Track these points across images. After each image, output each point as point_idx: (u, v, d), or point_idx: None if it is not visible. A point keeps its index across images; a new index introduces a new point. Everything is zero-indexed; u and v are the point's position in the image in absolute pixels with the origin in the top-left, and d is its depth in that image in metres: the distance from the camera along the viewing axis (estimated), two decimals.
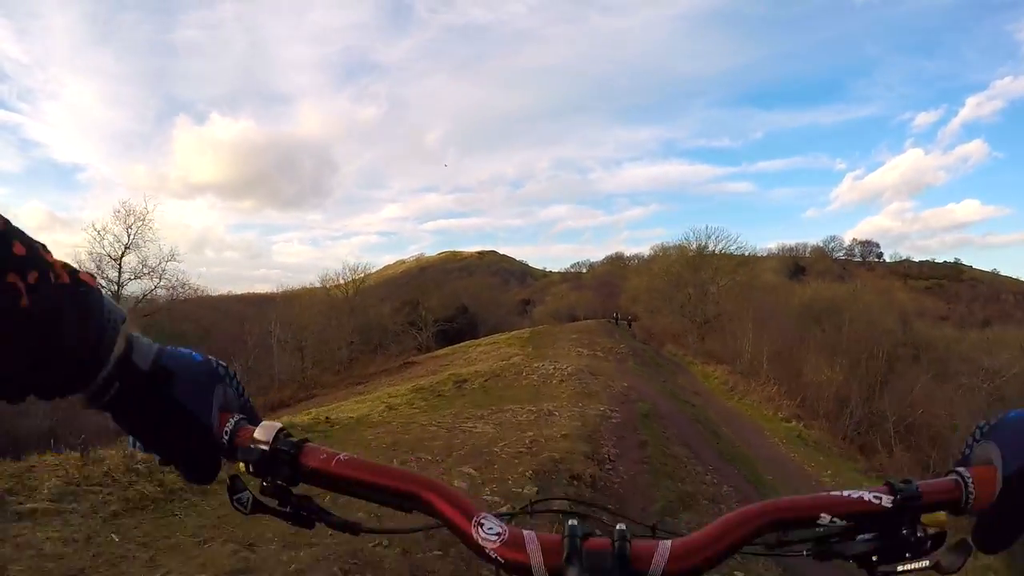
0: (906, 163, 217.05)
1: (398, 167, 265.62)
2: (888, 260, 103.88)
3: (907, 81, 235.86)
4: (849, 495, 0.58)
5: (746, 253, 43.55)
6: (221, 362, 0.64)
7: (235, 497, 0.61)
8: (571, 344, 22.46)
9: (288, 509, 0.61)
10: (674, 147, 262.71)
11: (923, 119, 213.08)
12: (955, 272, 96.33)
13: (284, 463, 0.59)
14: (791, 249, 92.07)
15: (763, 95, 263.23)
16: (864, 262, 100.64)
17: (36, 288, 0.46)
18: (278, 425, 0.61)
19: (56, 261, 0.49)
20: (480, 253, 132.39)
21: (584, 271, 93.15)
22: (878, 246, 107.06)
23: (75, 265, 0.52)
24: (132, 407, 0.56)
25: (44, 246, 0.49)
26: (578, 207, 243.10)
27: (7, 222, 0.45)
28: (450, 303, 45.29)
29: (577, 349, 21.03)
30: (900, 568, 0.57)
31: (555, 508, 0.84)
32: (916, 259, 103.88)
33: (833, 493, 0.59)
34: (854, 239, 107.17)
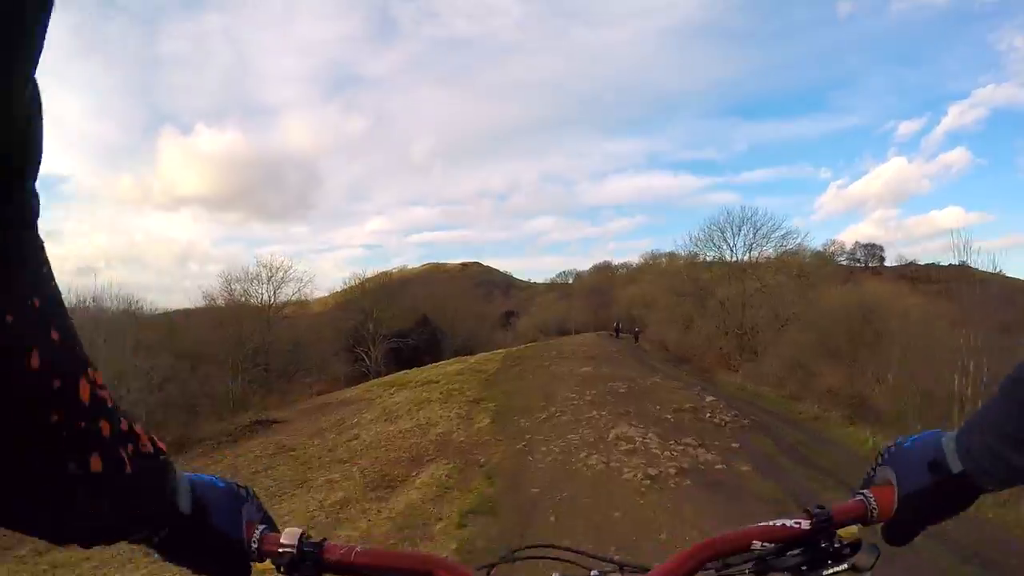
0: (889, 171, 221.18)
1: (384, 180, 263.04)
2: (891, 264, 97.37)
3: (890, 91, 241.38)
4: (774, 524, 0.72)
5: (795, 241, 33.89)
6: (239, 483, 0.73)
7: None
8: (573, 386, 13.06)
9: None
10: (659, 159, 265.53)
11: (906, 128, 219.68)
12: (963, 274, 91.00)
13: (309, 561, 0.68)
14: (791, 253, 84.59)
15: (747, 106, 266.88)
16: (866, 267, 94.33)
17: (135, 457, 0.51)
18: (299, 530, 0.70)
19: (143, 433, 0.54)
20: (464, 264, 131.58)
21: (571, 281, 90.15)
22: (882, 249, 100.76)
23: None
24: (178, 544, 0.63)
25: (134, 417, 0.53)
26: (564, 219, 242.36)
27: (114, 402, 0.48)
28: (409, 314, 36.97)
29: (589, 407, 10.89)
30: (824, 573, 0.71)
31: (534, 556, 0.89)
32: (921, 262, 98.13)
33: (761, 524, 0.72)
34: (856, 242, 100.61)
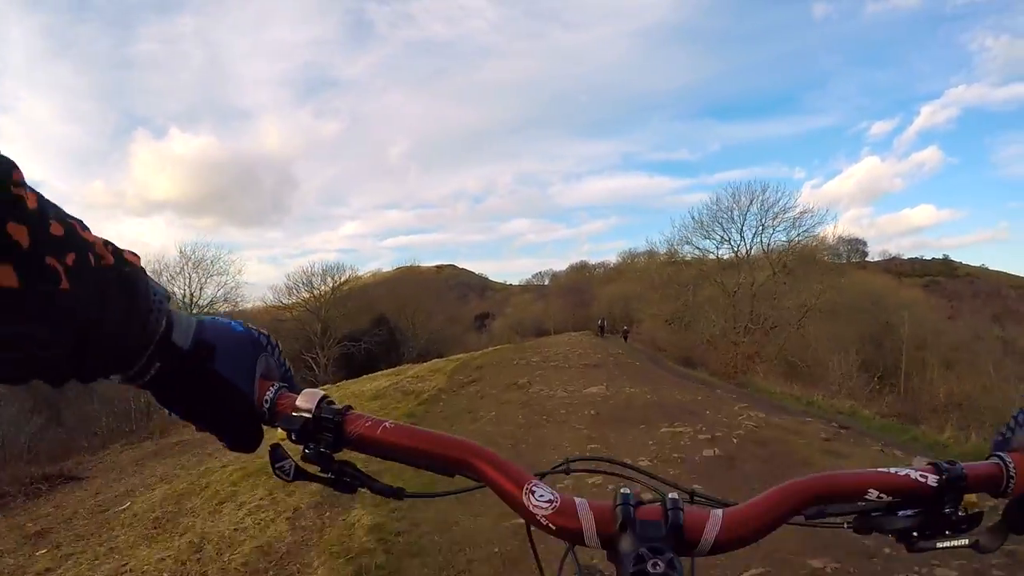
0: (863, 171, 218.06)
1: (359, 184, 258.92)
2: (875, 259, 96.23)
3: (863, 92, 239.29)
4: (897, 472, 0.59)
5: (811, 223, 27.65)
6: (263, 331, 0.64)
7: (277, 465, 0.61)
8: (588, 432, 7.21)
9: (331, 475, 0.61)
10: (633, 160, 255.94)
11: (879, 128, 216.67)
12: (948, 268, 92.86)
13: (327, 430, 0.59)
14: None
15: (721, 107, 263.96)
16: (850, 261, 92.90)
17: (76, 270, 0.43)
18: (321, 393, 0.61)
19: (97, 240, 0.47)
20: (439, 267, 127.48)
21: (547, 282, 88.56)
22: (864, 244, 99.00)
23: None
24: (173, 385, 0.56)
25: (82, 223, 0.47)
26: (539, 221, 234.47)
27: (40, 198, 0.42)
28: (363, 315, 32.58)
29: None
30: (940, 544, 0.59)
31: (593, 469, 0.78)
32: (906, 256, 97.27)
33: (881, 470, 0.59)
34: (839, 237, 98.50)
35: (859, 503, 0.59)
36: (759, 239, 27.66)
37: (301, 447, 0.60)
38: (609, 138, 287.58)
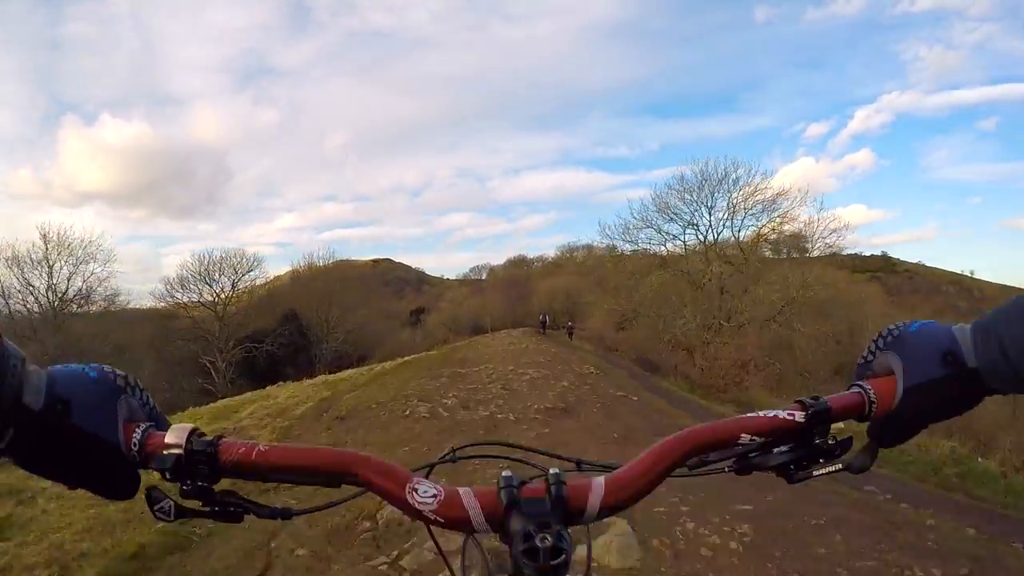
0: (798, 171, 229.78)
1: (296, 175, 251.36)
2: (815, 254, 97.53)
3: (800, 94, 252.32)
4: (765, 415, 0.64)
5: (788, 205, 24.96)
6: (119, 372, 0.60)
7: (156, 507, 0.58)
8: None
9: (214, 508, 0.59)
10: (572, 155, 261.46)
11: (815, 130, 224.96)
12: (888, 265, 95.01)
13: (201, 463, 0.57)
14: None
15: (660, 105, 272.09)
16: (789, 256, 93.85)
17: None
18: (190, 426, 0.58)
19: None
20: (375, 261, 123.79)
21: (484, 276, 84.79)
22: (806, 239, 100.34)
23: None
24: (32, 449, 0.53)
25: None
26: (478, 215, 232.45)
27: None
28: (268, 312, 28.40)
29: None
30: (816, 472, 0.64)
31: (480, 454, 0.79)
32: (846, 252, 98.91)
33: (751, 415, 0.64)
34: (780, 232, 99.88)
35: (735, 448, 0.63)
36: (729, 223, 24.50)
37: (179, 484, 0.58)
38: (549, 133, 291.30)
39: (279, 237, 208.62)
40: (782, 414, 0.63)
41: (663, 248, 25.46)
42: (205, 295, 29.27)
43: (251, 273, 29.87)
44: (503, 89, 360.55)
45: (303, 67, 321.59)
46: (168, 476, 0.57)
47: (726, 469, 0.65)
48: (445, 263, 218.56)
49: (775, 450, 0.64)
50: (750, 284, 21.92)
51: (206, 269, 29.94)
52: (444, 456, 0.76)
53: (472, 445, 0.78)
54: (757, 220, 24.70)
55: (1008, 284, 68.31)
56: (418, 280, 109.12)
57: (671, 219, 25.04)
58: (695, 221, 24.78)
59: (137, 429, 0.58)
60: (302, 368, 23.24)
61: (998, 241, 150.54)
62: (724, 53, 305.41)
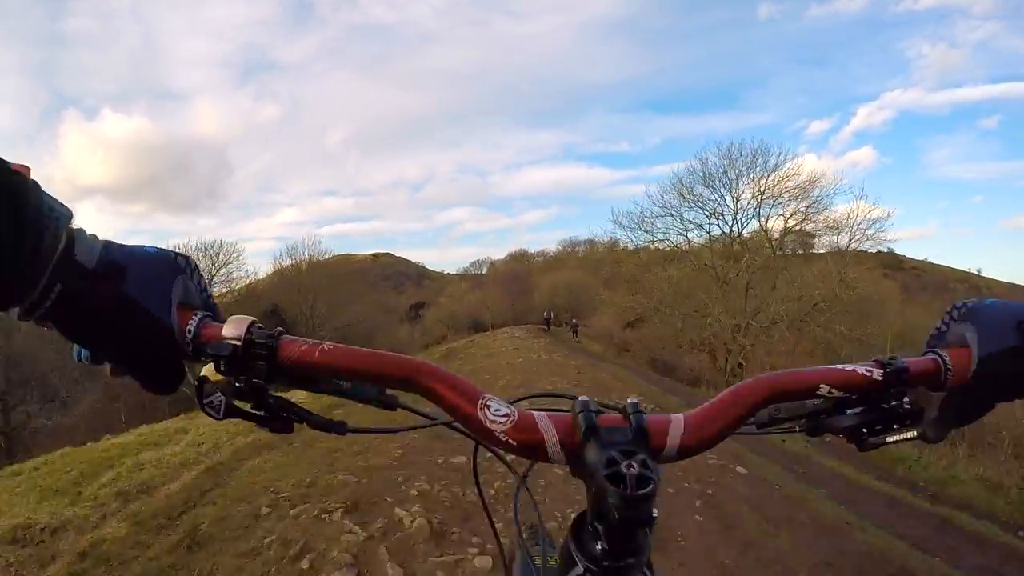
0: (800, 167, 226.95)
1: (297, 170, 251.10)
2: (820, 251, 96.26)
3: (802, 91, 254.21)
4: (844, 368, 0.60)
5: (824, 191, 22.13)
6: (181, 252, 0.55)
7: (206, 400, 0.54)
8: None
9: (264, 412, 0.55)
10: (573, 151, 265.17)
11: (817, 127, 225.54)
12: (895, 261, 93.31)
13: (260, 358, 0.52)
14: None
15: (661, 101, 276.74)
16: (796, 254, 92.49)
17: None
18: (249, 318, 0.53)
19: None
20: (375, 255, 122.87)
21: (484, 271, 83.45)
22: (812, 236, 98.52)
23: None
24: (77, 312, 0.47)
25: None
26: (479, 210, 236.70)
27: None
28: (248, 305, 26.33)
29: None
30: (889, 439, 0.61)
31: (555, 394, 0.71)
32: (852, 249, 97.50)
33: (829, 367, 0.60)
34: (784, 228, 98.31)
35: (811, 401, 0.61)
36: (756, 211, 22.10)
37: (232, 380, 0.53)
38: (550, 128, 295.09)
39: (281, 232, 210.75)
40: (861, 369, 0.59)
41: (683, 238, 22.90)
42: None
43: (230, 265, 28.05)
44: (505, 84, 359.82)
45: (304, 62, 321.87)
46: (223, 368, 0.52)
47: (796, 429, 0.63)
48: (446, 258, 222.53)
49: (848, 411, 0.60)
50: (779, 280, 19.63)
51: None
52: (520, 399, 0.63)
53: (548, 394, 0.68)
54: (787, 209, 22.14)
55: (1017, 283, 67.03)
56: (418, 274, 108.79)
57: (693, 206, 22.48)
58: (719, 210, 22.25)
59: (193, 316, 0.53)
60: None
61: (1000, 239, 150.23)
62: (726, 50, 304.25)
